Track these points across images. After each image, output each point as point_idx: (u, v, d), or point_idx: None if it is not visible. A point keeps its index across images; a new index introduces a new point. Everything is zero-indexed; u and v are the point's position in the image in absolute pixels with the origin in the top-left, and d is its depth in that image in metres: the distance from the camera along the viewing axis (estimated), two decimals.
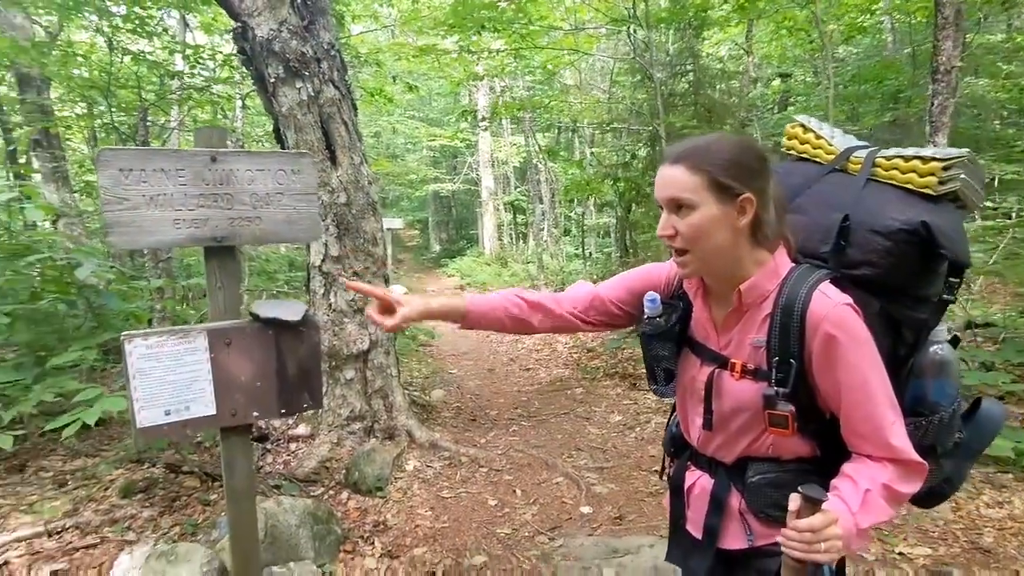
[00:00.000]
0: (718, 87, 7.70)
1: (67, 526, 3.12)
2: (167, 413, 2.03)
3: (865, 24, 9.49)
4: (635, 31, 7.02)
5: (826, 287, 1.10)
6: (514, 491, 3.69)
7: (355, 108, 4.13)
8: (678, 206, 1.12)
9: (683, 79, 7.20)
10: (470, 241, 22.28)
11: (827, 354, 1.08)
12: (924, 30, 8.70)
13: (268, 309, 2.14)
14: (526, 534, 3.19)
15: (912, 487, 1.08)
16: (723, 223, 1.10)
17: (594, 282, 1.47)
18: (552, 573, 2.79)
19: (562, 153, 14.97)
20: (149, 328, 3.17)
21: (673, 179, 1.11)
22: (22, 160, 7.65)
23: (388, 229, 16.20)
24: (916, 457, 1.06)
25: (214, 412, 2.09)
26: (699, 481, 1.34)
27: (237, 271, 2.16)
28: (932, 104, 5.39)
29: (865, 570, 2.67)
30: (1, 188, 3.18)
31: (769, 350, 1.13)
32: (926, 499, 1.28)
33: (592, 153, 11.76)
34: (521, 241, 19.24)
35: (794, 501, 1.03)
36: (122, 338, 1.95)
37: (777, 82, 13.10)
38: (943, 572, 2.59)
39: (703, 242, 1.12)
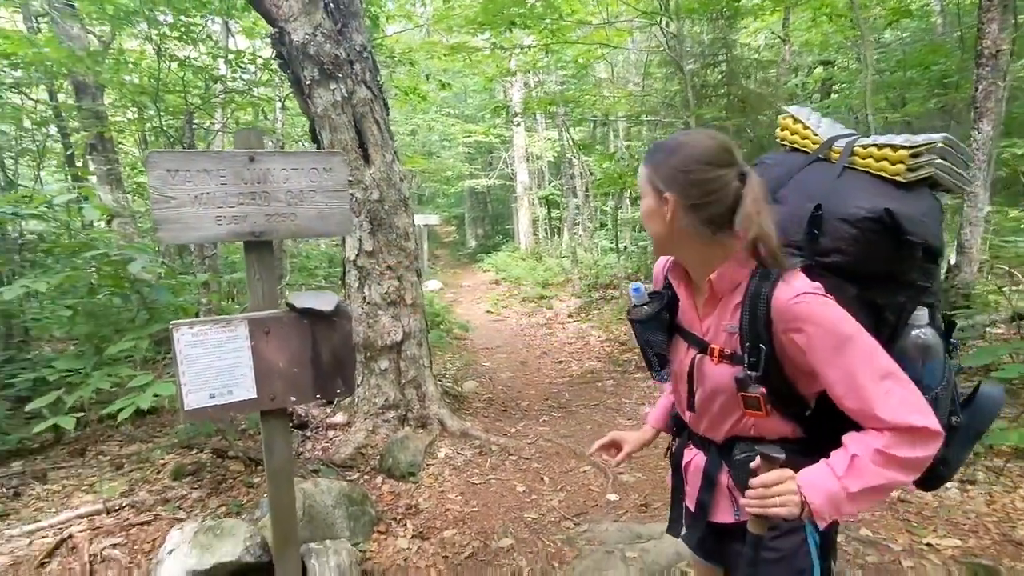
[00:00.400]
0: (753, 77, 7.57)
1: (124, 505, 3.34)
2: (211, 396, 2.18)
3: (912, 7, 9.17)
4: (666, 24, 6.98)
5: (792, 276, 1.15)
6: (542, 479, 3.78)
7: (387, 107, 4.27)
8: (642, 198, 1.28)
9: (716, 70, 7.11)
10: (506, 236, 22.38)
11: (796, 344, 1.14)
12: (974, 12, 8.37)
13: (303, 300, 2.28)
14: (552, 519, 3.28)
15: (919, 451, 1.06)
16: (656, 214, 1.24)
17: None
18: (575, 555, 2.87)
19: (597, 146, 14.92)
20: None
21: (639, 175, 1.28)
22: (79, 163, 8.09)
23: (424, 225, 16.51)
24: (916, 421, 1.05)
25: (255, 396, 2.24)
26: (695, 459, 1.42)
27: (274, 264, 2.30)
28: (976, 89, 5.22)
29: (891, 560, 2.67)
30: (61, 190, 3.41)
31: (741, 336, 1.20)
32: (927, 481, 1.31)
33: (626, 146, 11.70)
34: (556, 236, 19.25)
35: (756, 461, 1.12)
36: (171, 326, 2.12)
37: (820, 69, 12.76)
38: (972, 564, 2.57)
39: (648, 228, 1.28)
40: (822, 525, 1.11)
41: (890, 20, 8.83)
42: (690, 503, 1.45)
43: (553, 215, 20.13)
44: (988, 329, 5.05)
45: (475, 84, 17.57)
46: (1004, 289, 5.06)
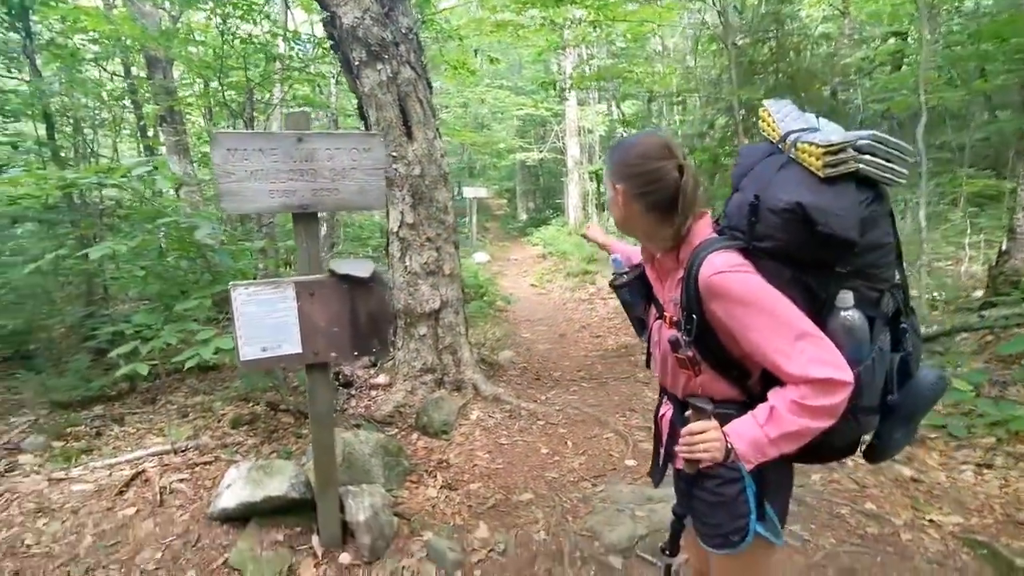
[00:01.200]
0: (806, 52, 7.35)
1: (189, 447, 3.75)
2: (263, 349, 2.48)
3: None
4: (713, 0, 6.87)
5: (716, 255, 1.32)
6: (566, 443, 4.01)
7: (430, 86, 4.47)
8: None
9: (765, 46, 6.96)
10: (556, 210, 22.38)
11: (718, 314, 1.33)
12: None
13: (344, 267, 2.54)
14: (571, 479, 3.50)
15: (828, 399, 1.21)
16: (613, 203, 1.47)
17: None
18: (588, 511, 3.09)
19: (653, 120, 14.70)
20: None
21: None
22: (151, 134, 8.65)
23: (473, 198, 16.71)
24: (824, 374, 1.20)
25: (300, 351, 2.53)
26: (667, 412, 1.61)
27: (319, 234, 2.56)
28: None
29: (891, 532, 2.77)
30: (138, 162, 3.77)
31: (680, 306, 1.39)
32: (866, 453, 1.48)
33: (669, 123, 11.54)
34: (604, 210, 19.15)
35: (688, 411, 1.33)
36: (230, 286, 2.41)
37: (892, 41, 12.14)
38: (969, 539, 2.65)
39: (612, 215, 1.50)
40: (748, 467, 1.31)
41: None
42: (663, 450, 1.66)
43: (602, 190, 19.99)
44: None
45: (530, 56, 17.51)
46: None
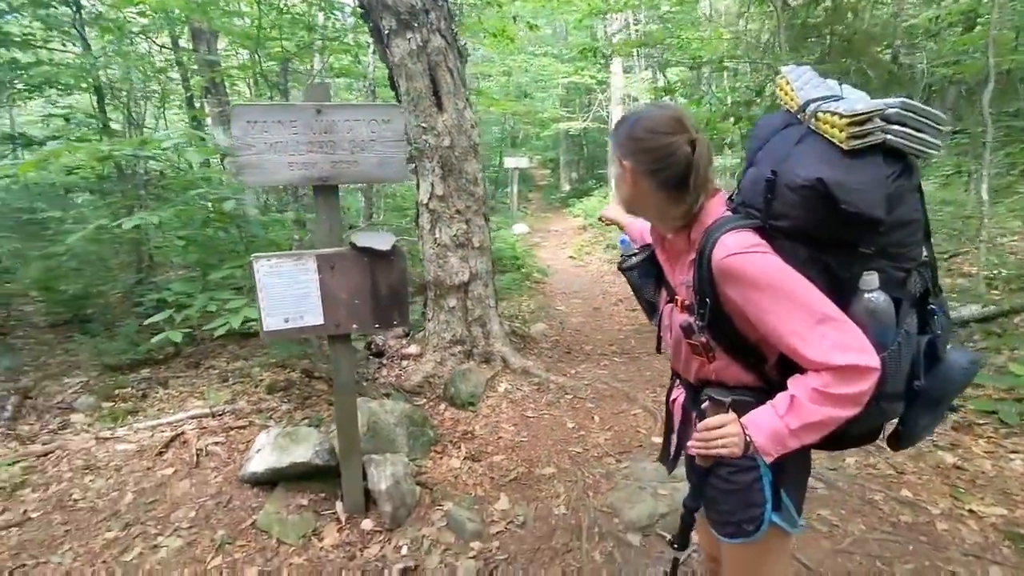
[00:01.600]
0: (865, 14, 6.87)
1: (226, 411, 3.90)
2: (286, 320, 2.52)
3: None
4: None
5: (730, 235, 1.23)
6: (593, 418, 3.98)
7: (461, 56, 4.38)
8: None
9: (820, 6, 6.54)
10: (600, 181, 21.99)
11: (733, 297, 1.24)
12: None
13: (363, 239, 2.54)
14: (595, 455, 3.48)
15: (853, 387, 1.14)
16: (620, 181, 1.38)
17: None
18: (611, 488, 3.07)
19: (703, 87, 14.16)
20: None
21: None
22: (197, 105, 8.85)
23: (515, 168, 16.56)
24: (847, 361, 1.13)
25: (322, 322, 2.56)
26: (679, 397, 1.55)
27: (338, 206, 2.56)
28: None
29: (926, 521, 2.66)
30: (178, 134, 3.84)
31: (693, 289, 1.31)
32: (891, 439, 1.39)
33: (717, 90, 11.09)
34: None
35: (705, 403, 1.25)
36: (252, 258, 2.45)
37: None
38: (1012, 532, 2.52)
39: (618, 194, 1.42)
40: (768, 459, 1.24)
41: None
42: (675, 435, 1.61)
43: None
44: None
45: (572, 23, 17.05)
46: None
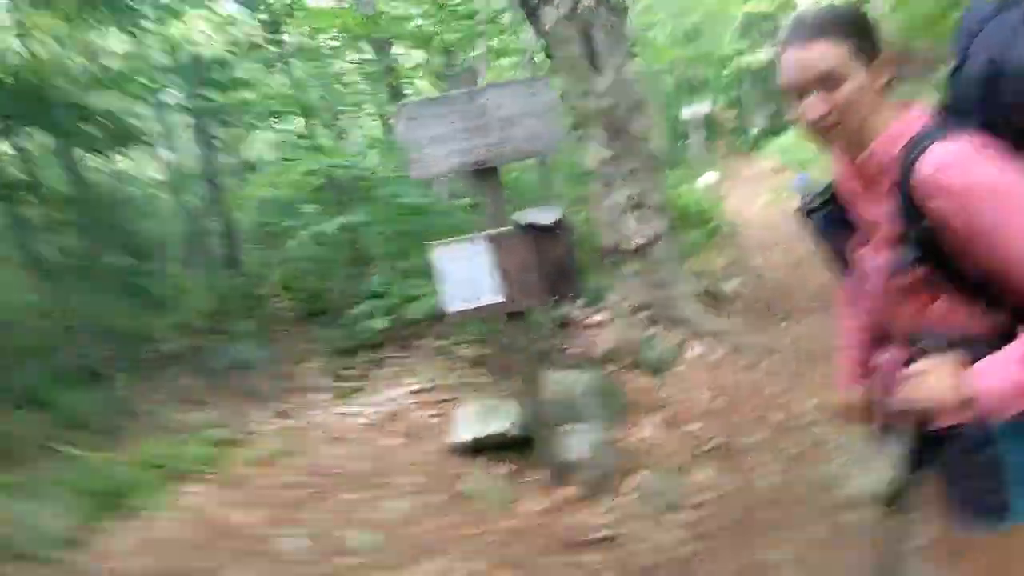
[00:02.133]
0: None
1: (436, 386, 4.27)
2: (465, 301, 2.67)
3: None
4: None
5: (938, 146, 0.97)
6: (797, 382, 3.61)
7: (616, 11, 4.15)
8: (827, 81, 1.06)
9: None
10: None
11: (949, 219, 0.98)
12: None
13: (527, 216, 2.57)
14: (801, 423, 3.15)
15: None
16: (868, 88, 1.06)
17: None
18: (820, 459, 2.77)
19: None
20: None
21: (821, 55, 1.05)
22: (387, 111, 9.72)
23: (694, 116, 15.57)
24: None
25: (497, 301, 2.67)
26: (889, 358, 1.29)
27: (500, 187, 2.62)
28: None
29: None
30: (364, 138, 4.26)
31: (898, 217, 1.05)
32: None
33: None
34: None
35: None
36: (430, 247, 2.62)
37: None
38: None
39: (853, 112, 1.06)
40: (994, 419, 0.98)
41: None
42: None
43: None
44: None
45: None
46: None
